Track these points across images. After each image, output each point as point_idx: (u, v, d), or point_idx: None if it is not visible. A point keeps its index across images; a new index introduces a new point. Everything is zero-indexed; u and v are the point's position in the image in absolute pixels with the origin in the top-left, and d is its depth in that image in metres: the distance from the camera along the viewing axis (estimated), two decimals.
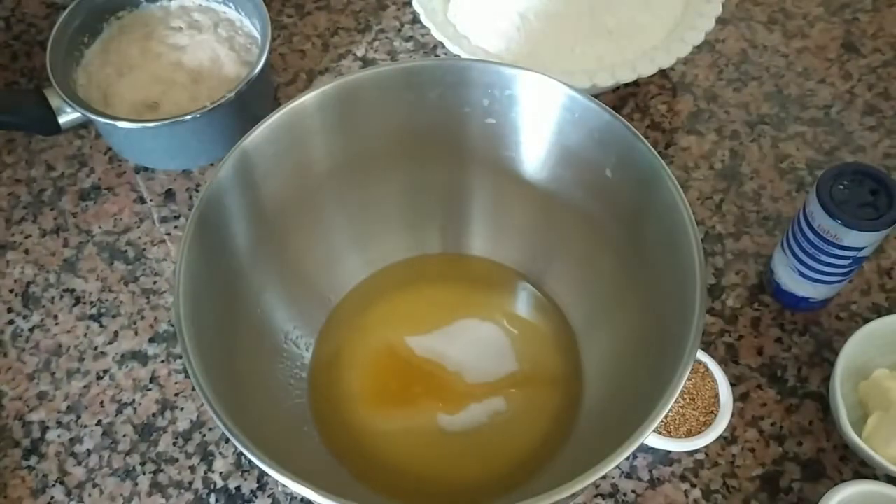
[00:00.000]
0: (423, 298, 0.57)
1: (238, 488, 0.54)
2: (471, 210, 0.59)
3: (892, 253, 0.62)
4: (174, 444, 0.55)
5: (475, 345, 0.55)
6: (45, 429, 0.56)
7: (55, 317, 0.61)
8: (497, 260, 0.59)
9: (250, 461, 0.41)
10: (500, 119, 0.53)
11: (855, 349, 0.53)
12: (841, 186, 0.52)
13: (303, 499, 0.51)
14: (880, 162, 0.66)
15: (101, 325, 0.60)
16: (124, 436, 0.56)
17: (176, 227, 0.65)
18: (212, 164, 0.67)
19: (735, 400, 0.55)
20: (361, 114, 0.52)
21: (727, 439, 0.54)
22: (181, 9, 0.70)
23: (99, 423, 0.56)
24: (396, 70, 0.52)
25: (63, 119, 0.63)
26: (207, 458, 0.55)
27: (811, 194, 0.53)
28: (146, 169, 0.68)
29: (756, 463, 0.54)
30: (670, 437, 0.53)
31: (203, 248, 0.46)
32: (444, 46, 0.66)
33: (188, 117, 0.61)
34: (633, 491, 0.53)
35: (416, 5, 0.67)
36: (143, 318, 0.60)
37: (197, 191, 0.66)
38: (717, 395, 0.54)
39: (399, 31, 0.75)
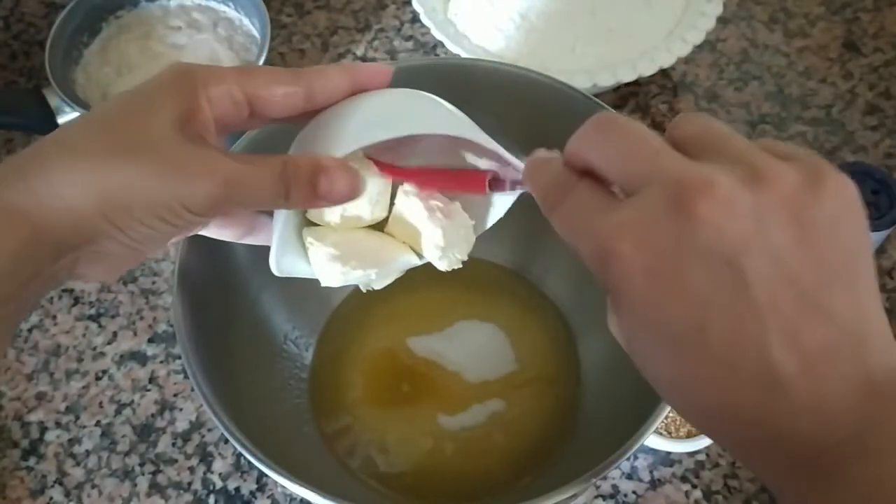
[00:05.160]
0: (423, 299, 0.57)
1: (237, 489, 0.53)
2: None
3: (893, 253, 0.62)
4: (173, 444, 0.55)
5: (475, 345, 0.55)
6: (43, 429, 0.56)
7: (54, 317, 0.60)
8: (497, 261, 0.59)
9: (249, 462, 0.41)
10: (501, 119, 0.53)
11: None
12: None
13: (302, 500, 0.51)
14: (881, 162, 0.66)
15: (100, 326, 0.60)
16: (123, 436, 0.55)
17: None
18: None
19: None
20: None
21: None
22: (180, 8, 0.70)
23: (98, 423, 0.56)
24: (396, 69, 0.52)
25: (62, 119, 0.63)
26: (206, 458, 0.55)
27: None
28: None
29: None
30: (671, 437, 0.52)
31: (202, 248, 0.46)
32: (444, 46, 0.66)
33: None
34: (634, 492, 0.53)
35: (415, 4, 0.67)
36: (142, 318, 0.60)
37: None
38: None
39: (399, 30, 0.75)
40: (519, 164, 0.35)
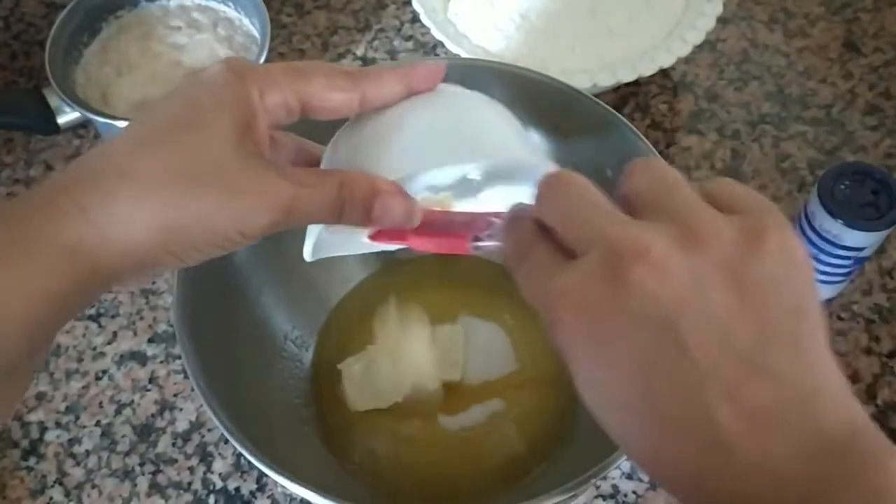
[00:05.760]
0: (423, 299, 0.57)
1: (237, 489, 0.53)
2: None
3: (893, 253, 0.62)
4: (173, 444, 0.55)
5: (475, 345, 0.55)
6: (43, 429, 0.56)
7: None
8: (496, 260, 0.58)
9: (249, 462, 0.41)
10: None
11: None
12: (842, 186, 0.52)
13: (302, 500, 0.51)
14: (881, 162, 0.66)
15: (100, 326, 0.60)
16: (123, 436, 0.55)
17: None
18: None
19: None
20: None
21: None
22: (180, 8, 0.70)
23: (98, 423, 0.56)
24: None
25: (62, 119, 0.63)
26: (206, 458, 0.55)
27: (812, 194, 0.53)
28: None
29: None
30: None
31: None
32: (444, 46, 0.66)
33: None
34: (634, 492, 0.53)
35: (415, 4, 0.67)
36: (142, 318, 0.60)
37: None
38: None
39: (399, 30, 0.75)
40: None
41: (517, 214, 0.29)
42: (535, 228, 0.28)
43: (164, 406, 0.57)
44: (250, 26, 0.69)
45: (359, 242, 0.37)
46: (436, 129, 0.33)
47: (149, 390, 0.57)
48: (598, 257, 0.25)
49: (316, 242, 0.36)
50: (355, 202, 0.32)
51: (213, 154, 0.30)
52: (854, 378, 0.56)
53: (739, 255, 0.24)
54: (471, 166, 0.34)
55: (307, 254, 0.36)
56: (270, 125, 0.32)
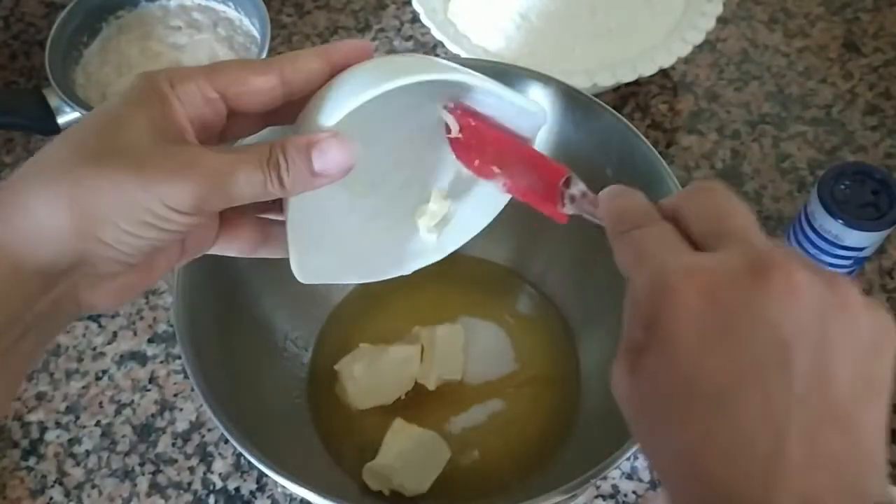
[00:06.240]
0: (422, 299, 0.57)
1: (237, 489, 0.53)
2: None
3: (893, 253, 0.62)
4: (173, 444, 0.55)
5: (475, 345, 0.55)
6: (43, 429, 0.56)
7: None
8: (496, 260, 0.59)
9: (249, 462, 0.41)
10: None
11: None
12: (842, 186, 0.52)
13: (302, 500, 0.51)
14: (881, 162, 0.66)
15: (100, 326, 0.60)
16: (123, 436, 0.55)
17: None
18: None
19: None
20: None
21: None
22: (180, 8, 0.70)
23: (98, 423, 0.56)
24: None
25: (62, 119, 0.63)
26: (206, 458, 0.55)
27: (812, 194, 0.53)
28: None
29: None
30: None
31: None
32: (444, 46, 0.66)
33: None
34: (634, 492, 0.53)
35: (415, 4, 0.67)
36: (142, 318, 0.60)
37: None
38: None
39: (399, 30, 0.75)
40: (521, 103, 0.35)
41: (629, 188, 0.31)
42: (652, 206, 0.29)
43: (164, 406, 0.57)
44: (250, 26, 0.69)
45: (360, 269, 0.37)
46: (366, 75, 0.32)
47: (149, 390, 0.57)
48: (742, 254, 0.26)
49: (302, 260, 0.34)
50: (294, 157, 0.31)
51: (126, 138, 0.29)
52: None
53: (864, 311, 0.26)
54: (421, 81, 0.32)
55: (295, 270, 0.34)
56: (194, 118, 0.31)
